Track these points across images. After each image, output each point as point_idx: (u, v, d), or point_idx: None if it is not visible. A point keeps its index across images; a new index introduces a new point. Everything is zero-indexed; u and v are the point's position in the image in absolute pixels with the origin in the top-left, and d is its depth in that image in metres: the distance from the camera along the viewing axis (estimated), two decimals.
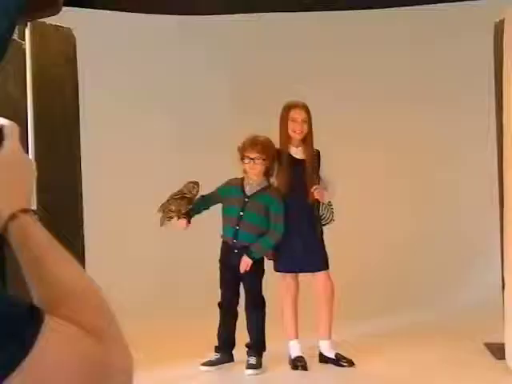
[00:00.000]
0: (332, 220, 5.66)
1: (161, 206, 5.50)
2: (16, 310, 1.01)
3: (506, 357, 5.26)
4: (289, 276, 5.62)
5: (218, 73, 8.04)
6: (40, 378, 1.01)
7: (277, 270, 5.62)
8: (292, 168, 5.55)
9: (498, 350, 5.50)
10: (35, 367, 1.00)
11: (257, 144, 5.48)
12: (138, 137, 7.95)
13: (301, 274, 5.65)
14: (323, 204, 5.61)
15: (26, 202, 1.16)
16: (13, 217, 1.13)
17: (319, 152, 5.66)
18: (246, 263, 5.44)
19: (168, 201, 5.50)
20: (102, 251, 7.03)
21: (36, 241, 1.13)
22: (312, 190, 5.48)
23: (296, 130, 5.53)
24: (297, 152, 5.59)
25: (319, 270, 5.57)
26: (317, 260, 5.57)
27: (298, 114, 5.54)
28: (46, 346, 1.00)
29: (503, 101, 5.30)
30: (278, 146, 5.60)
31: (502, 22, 5.38)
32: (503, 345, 5.33)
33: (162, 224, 5.51)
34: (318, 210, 5.60)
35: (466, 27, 7.56)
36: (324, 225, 5.64)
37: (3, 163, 1.15)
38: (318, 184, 5.55)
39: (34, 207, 4.67)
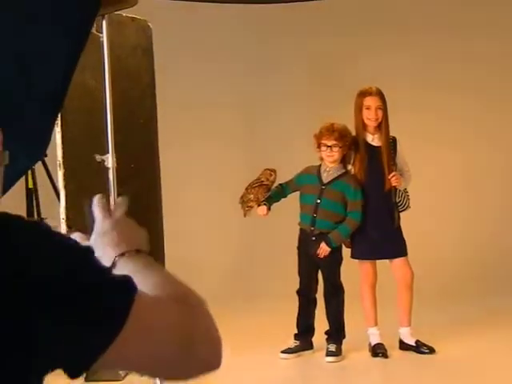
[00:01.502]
0: (408, 207, 5.61)
1: (240, 198, 5.55)
2: (114, 280, 1.15)
3: None
4: (367, 263, 5.59)
5: (293, 60, 8.02)
6: (132, 347, 1.12)
7: (355, 257, 5.60)
8: (368, 155, 5.51)
9: None
10: (132, 332, 1.11)
11: (334, 131, 5.46)
12: (213, 126, 7.99)
13: (379, 261, 5.61)
14: (400, 191, 5.56)
15: (140, 245, 1.41)
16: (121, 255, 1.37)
17: (395, 139, 5.61)
18: (324, 250, 5.43)
19: (247, 190, 5.54)
20: (180, 241, 7.11)
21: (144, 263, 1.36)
22: (389, 176, 5.44)
23: (370, 118, 5.49)
24: (373, 139, 5.55)
25: (397, 257, 5.53)
26: (395, 246, 5.53)
27: (371, 102, 5.49)
28: (139, 312, 1.12)
29: None
30: (354, 133, 5.56)
31: None
32: None
33: (245, 215, 5.56)
34: (396, 197, 5.55)
35: None
36: (401, 211, 5.59)
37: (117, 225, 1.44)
38: (395, 171, 5.50)
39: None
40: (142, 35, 5.65)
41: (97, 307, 1.10)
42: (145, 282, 1.23)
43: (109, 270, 1.20)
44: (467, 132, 7.88)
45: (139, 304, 1.12)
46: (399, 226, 5.57)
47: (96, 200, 1.49)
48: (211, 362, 1.23)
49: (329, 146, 5.47)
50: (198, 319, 1.21)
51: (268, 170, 5.55)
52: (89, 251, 1.19)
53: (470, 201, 7.85)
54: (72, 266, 1.11)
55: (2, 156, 1.26)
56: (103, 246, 1.38)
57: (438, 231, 7.73)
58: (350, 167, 5.58)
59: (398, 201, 5.57)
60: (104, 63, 4.63)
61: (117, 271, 1.30)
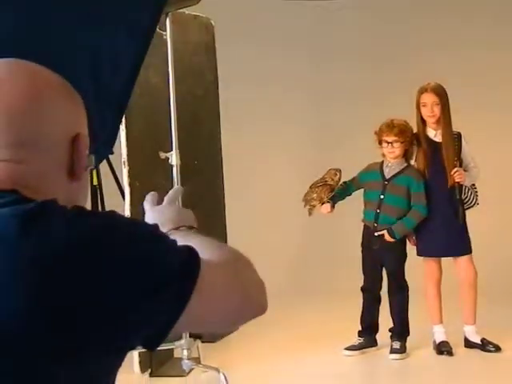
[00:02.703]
0: (476, 203, 5.55)
1: (304, 196, 5.56)
2: (180, 248, 1.26)
3: None
4: (431, 260, 5.54)
5: (353, 58, 8.00)
6: (205, 299, 1.24)
7: (419, 254, 5.56)
8: (431, 151, 5.47)
9: None
10: (201, 293, 1.22)
11: (394, 127, 5.45)
12: (276, 124, 8.00)
13: (444, 258, 5.56)
14: (466, 187, 5.50)
15: (193, 223, 1.57)
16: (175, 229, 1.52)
17: (460, 134, 5.54)
18: (387, 238, 5.41)
19: (310, 189, 5.55)
20: (243, 237, 7.12)
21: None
22: (452, 172, 5.39)
23: (427, 114, 5.45)
24: (436, 135, 5.50)
25: (461, 255, 5.47)
26: (459, 244, 5.47)
27: (427, 99, 5.45)
28: (204, 275, 1.23)
29: None
30: (415, 129, 5.54)
31: None
32: None
33: (309, 213, 5.56)
34: (461, 194, 5.49)
35: None
36: (468, 208, 5.52)
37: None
38: (460, 167, 5.44)
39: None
40: (205, 33, 5.69)
41: (169, 275, 1.19)
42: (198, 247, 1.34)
43: (174, 241, 1.27)
44: None
45: (203, 267, 1.23)
46: (465, 223, 5.49)
47: (147, 196, 1.65)
48: (263, 304, 1.34)
49: (389, 143, 5.45)
50: (246, 270, 1.35)
51: (333, 169, 5.55)
52: (157, 228, 1.28)
53: None
54: (147, 245, 1.21)
55: (90, 159, 1.36)
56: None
57: (504, 228, 7.63)
58: (412, 162, 5.54)
59: (464, 197, 5.50)
60: (168, 61, 4.66)
61: None
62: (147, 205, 1.63)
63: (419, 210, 5.45)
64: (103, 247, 1.16)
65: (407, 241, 5.57)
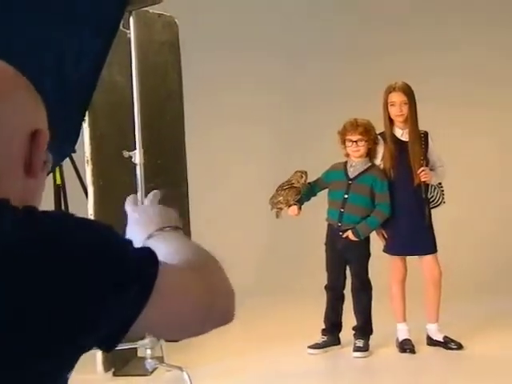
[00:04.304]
0: (442, 202, 5.59)
1: (270, 199, 5.57)
2: (139, 251, 1.24)
3: None
4: (397, 259, 5.57)
5: (322, 60, 8.02)
6: (163, 304, 1.21)
7: (386, 251, 5.59)
8: (397, 150, 5.49)
9: None
10: (159, 297, 1.19)
11: (358, 126, 5.47)
12: (240, 124, 8.00)
13: (409, 257, 5.59)
14: (432, 186, 5.54)
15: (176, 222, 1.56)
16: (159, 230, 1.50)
17: (427, 133, 5.58)
18: (350, 237, 5.43)
19: (277, 191, 5.56)
20: (207, 237, 7.10)
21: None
22: (418, 172, 5.42)
23: (396, 114, 5.48)
24: (403, 134, 5.53)
25: (427, 254, 5.52)
26: (425, 243, 5.51)
27: (395, 98, 5.47)
28: (164, 278, 1.21)
29: None
30: (382, 128, 5.56)
31: None
32: None
33: (277, 216, 5.58)
34: (427, 193, 5.52)
35: None
36: (434, 207, 5.56)
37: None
38: (426, 166, 5.48)
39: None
40: (169, 31, 5.67)
41: (126, 276, 1.17)
42: (171, 247, 1.39)
43: (131, 241, 1.25)
44: (504, 121, 7.84)
45: (163, 271, 1.21)
46: (430, 222, 5.54)
47: (128, 198, 1.65)
48: (227, 315, 1.32)
49: (354, 141, 5.47)
50: (214, 277, 1.33)
51: (299, 172, 5.56)
52: (112, 228, 1.24)
53: (506, 197, 7.81)
54: (100, 243, 1.18)
55: (49, 156, 1.34)
56: (137, 227, 1.53)
57: (468, 227, 7.70)
58: (379, 162, 5.56)
59: (430, 196, 5.54)
60: (131, 59, 4.65)
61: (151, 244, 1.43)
62: (129, 206, 1.62)
63: (383, 210, 5.48)
64: (54, 248, 1.13)
65: (379, 237, 5.59)
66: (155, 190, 1.67)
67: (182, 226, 1.54)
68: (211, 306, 1.28)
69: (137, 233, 1.51)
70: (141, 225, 1.53)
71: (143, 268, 1.20)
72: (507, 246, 7.53)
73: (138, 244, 1.42)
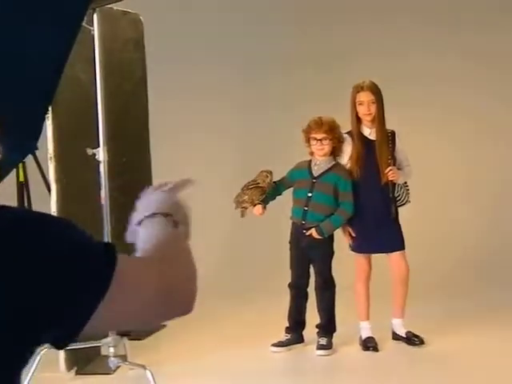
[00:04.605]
0: (408, 201, 5.62)
1: (235, 198, 5.56)
2: (95, 244, 1.22)
3: None
4: (362, 257, 5.59)
5: (283, 59, 8.03)
6: (120, 300, 1.19)
7: (353, 250, 5.61)
8: (365, 149, 5.51)
9: None
10: (115, 293, 1.17)
11: (322, 124, 5.48)
12: (207, 121, 7.99)
13: (375, 255, 5.62)
14: (398, 185, 5.57)
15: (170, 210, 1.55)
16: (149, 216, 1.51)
17: (394, 132, 5.60)
18: (314, 235, 5.45)
19: (242, 190, 5.55)
20: None
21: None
22: (386, 171, 5.45)
23: (364, 113, 5.50)
24: (370, 133, 5.55)
25: (394, 251, 5.54)
26: (392, 241, 5.54)
27: (363, 97, 5.49)
28: (122, 273, 1.19)
29: None
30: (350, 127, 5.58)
31: None
32: None
33: (242, 215, 5.57)
34: (394, 191, 5.55)
35: None
36: (400, 206, 5.59)
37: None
38: (393, 165, 5.51)
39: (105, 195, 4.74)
40: (134, 29, 5.65)
41: (82, 273, 1.15)
42: (147, 240, 1.39)
43: (91, 237, 1.23)
44: (469, 127, 7.91)
45: (121, 266, 1.19)
46: (397, 220, 5.57)
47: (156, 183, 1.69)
48: (182, 310, 1.31)
49: (319, 140, 5.48)
50: (179, 270, 1.33)
51: (264, 171, 5.56)
52: (71, 222, 1.22)
53: (469, 196, 7.88)
54: (56, 240, 1.16)
55: None
56: (136, 211, 1.55)
57: (436, 225, 7.76)
58: (345, 161, 5.56)
59: (396, 195, 5.57)
60: (95, 56, 4.63)
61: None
62: (148, 189, 1.65)
63: (346, 209, 5.50)
64: (8, 243, 1.11)
65: (344, 235, 5.60)
66: (188, 179, 1.77)
67: (181, 214, 1.56)
68: (170, 299, 1.28)
69: (133, 217, 1.53)
70: (138, 209, 1.55)
71: (99, 266, 1.17)
72: (469, 245, 7.60)
73: (130, 228, 1.51)
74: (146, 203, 1.56)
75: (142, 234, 1.44)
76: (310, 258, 5.57)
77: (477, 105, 7.87)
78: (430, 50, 7.87)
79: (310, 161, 5.61)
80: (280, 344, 5.56)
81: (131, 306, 1.23)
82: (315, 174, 5.55)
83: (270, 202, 5.62)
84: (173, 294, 1.29)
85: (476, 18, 7.86)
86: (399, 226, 5.57)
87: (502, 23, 7.83)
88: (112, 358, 4.72)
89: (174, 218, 1.52)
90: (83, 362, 5.10)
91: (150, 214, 1.50)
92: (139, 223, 1.50)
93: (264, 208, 5.55)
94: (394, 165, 5.52)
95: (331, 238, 5.56)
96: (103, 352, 5.06)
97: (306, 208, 5.51)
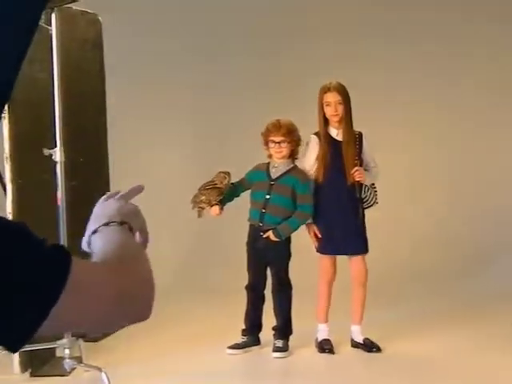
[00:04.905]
0: (375, 203, 5.62)
1: (192, 198, 5.55)
2: (48, 250, 1.18)
3: None
4: (327, 259, 5.59)
5: (240, 58, 8.03)
6: (74, 305, 1.17)
7: (318, 251, 5.61)
8: (332, 150, 5.52)
9: None
10: (69, 298, 1.14)
11: (281, 127, 5.50)
12: (164, 122, 7.98)
13: (340, 257, 5.63)
14: (366, 186, 5.58)
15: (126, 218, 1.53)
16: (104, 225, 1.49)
17: (361, 134, 5.62)
18: (271, 236, 5.45)
19: (199, 191, 5.54)
20: None
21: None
22: (352, 171, 5.46)
23: (332, 113, 5.51)
24: (338, 134, 5.56)
25: (357, 254, 5.55)
26: (356, 243, 5.55)
27: (331, 98, 5.50)
28: (76, 278, 1.16)
29: None
30: (318, 128, 5.59)
31: None
32: None
33: (198, 215, 5.55)
34: (360, 193, 5.57)
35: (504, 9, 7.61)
36: (367, 207, 5.60)
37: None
38: (360, 166, 5.53)
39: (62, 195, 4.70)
40: (92, 29, 5.61)
41: (34, 277, 1.13)
42: (107, 242, 1.39)
43: (44, 241, 1.20)
44: (414, 135, 7.99)
45: (75, 270, 1.16)
46: (363, 223, 5.57)
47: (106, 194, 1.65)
48: (140, 316, 1.30)
49: (277, 143, 5.49)
50: (136, 277, 1.31)
51: (222, 172, 5.56)
52: (23, 226, 1.19)
53: (417, 197, 7.96)
54: (7, 244, 1.13)
55: None
56: (90, 221, 1.52)
57: (398, 229, 7.82)
58: (311, 163, 5.55)
59: (363, 196, 5.58)
60: (53, 56, 4.60)
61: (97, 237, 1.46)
62: (101, 199, 1.63)
63: (304, 211, 5.51)
64: None
65: (310, 236, 5.59)
66: (138, 186, 1.69)
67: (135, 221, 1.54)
68: (126, 305, 1.26)
69: (88, 226, 1.51)
70: (92, 219, 1.53)
71: (52, 271, 1.15)
72: (432, 251, 7.67)
73: (85, 237, 1.49)
74: (101, 212, 1.55)
75: (98, 242, 1.44)
76: (266, 260, 5.57)
77: (422, 113, 7.96)
78: (403, 47, 7.92)
79: (269, 163, 5.62)
80: (236, 346, 5.56)
81: (86, 310, 1.21)
82: (273, 176, 5.57)
83: (228, 204, 5.62)
84: (130, 300, 1.27)
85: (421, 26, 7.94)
86: (364, 228, 5.58)
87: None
88: (67, 360, 4.69)
89: (129, 225, 1.51)
90: (38, 364, 5.06)
91: (104, 222, 1.49)
92: (94, 232, 1.48)
93: (221, 209, 5.55)
94: (361, 166, 5.54)
95: (288, 240, 5.57)
96: (58, 354, 5.03)
97: (263, 210, 5.52)
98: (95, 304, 1.21)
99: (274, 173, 5.57)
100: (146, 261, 1.38)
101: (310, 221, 5.56)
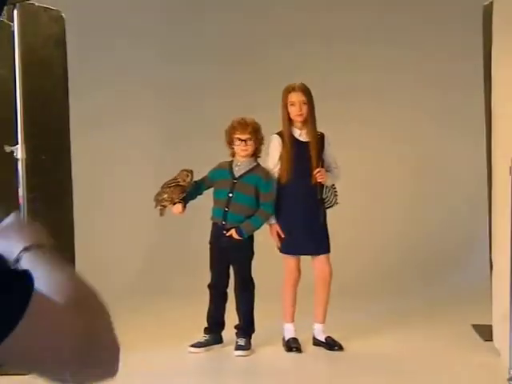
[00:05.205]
0: (336, 203, 5.63)
1: (155, 196, 5.54)
2: (10, 275, 1.08)
3: (493, 338, 5.30)
4: (291, 259, 5.60)
5: (203, 55, 8.02)
6: (28, 345, 1.05)
7: (281, 251, 5.62)
8: (295, 150, 5.53)
9: (485, 332, 5.54)
10: (24, 336, 1.04)
11: (247, 125, 5.50)
12: (128, 121, 7.94)
13: (303, 257, 5.63)
14: (327, 187, 5.60)
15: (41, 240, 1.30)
16: (24, 250, 1.26)
17: (323, 135, 5.63)
18: (234, 235, 5.45)
19: (162, 189, 5.53)
20: (91, 235, 7.06)
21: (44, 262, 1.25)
22: (314, 172, 5.47)
23: (296, 113, 5.51)
24: (301, 134, 5.56)
25: (320, 254, 5.56)
26: (318, 243, 5.55)
27: (295, 98, 5.50)
28: (35, 311, 1.05)
29: (492, 83, 5.31)
30: (281, 128, 5.59)
31: (490, 4, 5.38)
32: (490, 326, 5.37)
33: (161, 214, 5.54)
34: (322, 193, 5.59)
35: (455, 11, 7.64)
36: (328, 208, 5.62)
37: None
38: (322, 167, 5.54)
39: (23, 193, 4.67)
40: (55, 25, 5.58)
41: None
42: (49, 280, 1.17)
43: (5, 264, 1.12)
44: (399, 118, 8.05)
45: (36, 303, 1.06)
46: (325, 223, 5.58)
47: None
48: (108, 369, 1.17)
49: (243, 140, 5.49)
50: (97, 324, 1.15)
51: (185, 170, 5.55)
52: None
53: (380, 205, 8.00)
54: None
55: None
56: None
57: (361, 228, 7.86)
58: (275, 161, 5.56)
59: (324, 197, 5.60)
60: (15, 53, 4.56)
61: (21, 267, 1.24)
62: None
63: (267, 210, 5.52)
64: None
65: (272, 236, 5.59)
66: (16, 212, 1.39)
67: (60, 223, 1.39)
68: (90, 353, 1.11)
69: (6, 255, 1.26)
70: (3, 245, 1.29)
71: (13, 294, 1.05)
72: (392, 250, 7.71)
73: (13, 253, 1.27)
74: (7, 242, 1.28)
75: (37, 265, 1.22)
76: (229, 259, 5.57)
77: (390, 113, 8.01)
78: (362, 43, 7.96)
79: (232, 161, 5.62)
80: (198, 345, 5.55)
81: (42, 350, 1.07)
82: (236, 174, 5.57)
83: (191, 202, 5.61)
84: (95, 349, 1.12)
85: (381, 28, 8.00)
86: (326, 228, 5.59)
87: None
88: None
89: (45, 245, 1.30)
90: None
91: (22, 248, 1.26)
92: (18, 261, 1.25)
93: (184, 207, 5.54)
94: (323, 167, 5.56)
95: (251, 238, 5.58)
96: None
97: (226, 209, 5.52)
98: (54, 345, 1.08)
99: (237, 171, 5.57)
100: (104, 306, 1.20)
101: (273, 221, 5.57)
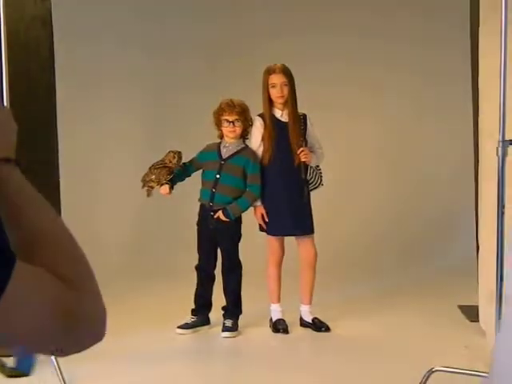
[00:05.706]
0: (321, 184, 5.64)
1: (142, 177, 5.54)
2: None
3: (480, 319, 5.33)
4: (274, 239, 5.61)
5: (191, 41, 8.01)
6: (11, 321, 1.04)
7: (265, 232, 5.63)
8: (277, 131, 5.53)
9: (471, 312, 5.58)
10: (6, 312, 1.02)
11: (235, 106, 5.49)
12: (114, 101, 7.93)
13: (288, 238, 5.65)
14: (311, 168, 5.60)
15: (8, 151, 1.21)
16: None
17: (306, 115, 5.63)
18: (221, 216, 5.46)
19: (149, 170, 5.54)
20: (77, 218, 7.05)
21: (16, 189, 1.17)
22: (298, 152, 5.47)
23: (277, 95, 5.51)
24: (282, 115, 5.56)
25: (304, 235, 5.58)
26: (302, 224, 5.56)
27: (276, 79, 5.50)
28: (16, 291, 1.03)
29: (478, 72, 5.31)
30: (262, 109, 5.59)
31: None
32: (476, 307, 5.40)
33: (148, 195, 5.54)
34: (306, 174, 5.59)
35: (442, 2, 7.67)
36: (312, 189, 5.62)
37: None
38: (304, 147, 5.53)
39: None
40: (41, 6, 5.55)
41: None
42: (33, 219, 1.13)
43: None
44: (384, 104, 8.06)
45: (18, 274, 1.04)
46: (309, 204, 5.59)
47: None
48: (92, 338, 1.16)
49: (231, 122, 5.49)
50: (83, 293, 1.13)
51: (172, 152, 5.55)
52: None
53: (375, 183, 8.02)
54: None
55: None
56: None
57: (344, 209, 7.88)
58: (257, 144, 5.55)
59: (309, 178, 5.60)
60: (0, 34, 4.53)
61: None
62: None
63: (254, 191, 5.53)
64: None
65: (256, 217, 5.60)
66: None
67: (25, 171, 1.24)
68: (74, 323, 1.10)
69: None
70: None
71: None
72: (378, 231, 7.75)
73: None
74: None
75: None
76: (217, 241, 5.58)
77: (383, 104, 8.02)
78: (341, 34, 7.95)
79: (220, 143, 5.62)
80: (186, 326, 5.57)
81: (27, 321, 1.06)
82: (224, 156, 5.57)
83: (179, 183, 5.61)
84: (79, 319, 1.11)
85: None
86: (310, 209, 5.60)
87: None
88: None
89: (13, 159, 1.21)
90: None
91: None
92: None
93: (171, 188, 5.54)
94: (306, 147, 5.55)
95: (239, 220, 5.59)
96: None
97: (213, 190, 5.53)
98: (38, 316, 1.07)
99: (225, 153, 5.57)
100: (90, 268, 1.16)
101: (258, 203, 5.57)
